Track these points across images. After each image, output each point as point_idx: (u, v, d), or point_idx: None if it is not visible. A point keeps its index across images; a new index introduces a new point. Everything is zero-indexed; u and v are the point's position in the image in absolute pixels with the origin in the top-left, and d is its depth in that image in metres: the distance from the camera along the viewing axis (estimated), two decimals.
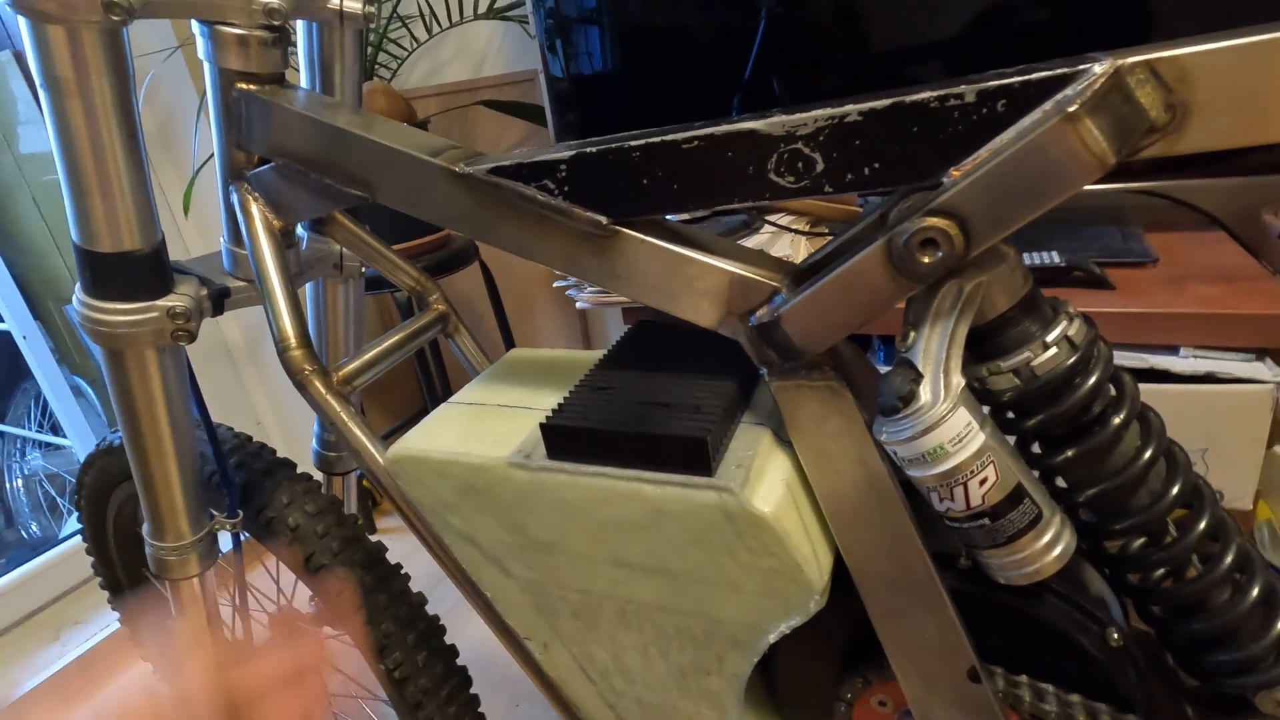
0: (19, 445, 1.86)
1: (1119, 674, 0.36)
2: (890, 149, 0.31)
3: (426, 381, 1.41)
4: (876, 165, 0.31)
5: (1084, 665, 0.37)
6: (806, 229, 0.94)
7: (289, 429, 1.59)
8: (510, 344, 1.44)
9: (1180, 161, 0.31)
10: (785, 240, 0.91)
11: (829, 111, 0.31)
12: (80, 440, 1.60)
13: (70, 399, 1.62)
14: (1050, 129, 0.27)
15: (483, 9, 1.30)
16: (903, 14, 0.84)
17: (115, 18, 0.37)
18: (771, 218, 0.95)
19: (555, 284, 1.00)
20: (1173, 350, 0.69)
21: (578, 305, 0.95)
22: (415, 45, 1.37)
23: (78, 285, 0.45)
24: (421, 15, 1.33)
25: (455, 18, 1.32)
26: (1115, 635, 0.36)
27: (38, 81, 0.39)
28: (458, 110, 1.43)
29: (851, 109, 0.31)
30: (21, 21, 0.37)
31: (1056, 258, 0.78)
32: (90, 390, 1.72)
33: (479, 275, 1.36)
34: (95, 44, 0.38)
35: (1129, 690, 0.37)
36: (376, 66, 1.37)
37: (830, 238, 0.95)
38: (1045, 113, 0.28)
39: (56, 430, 1.76)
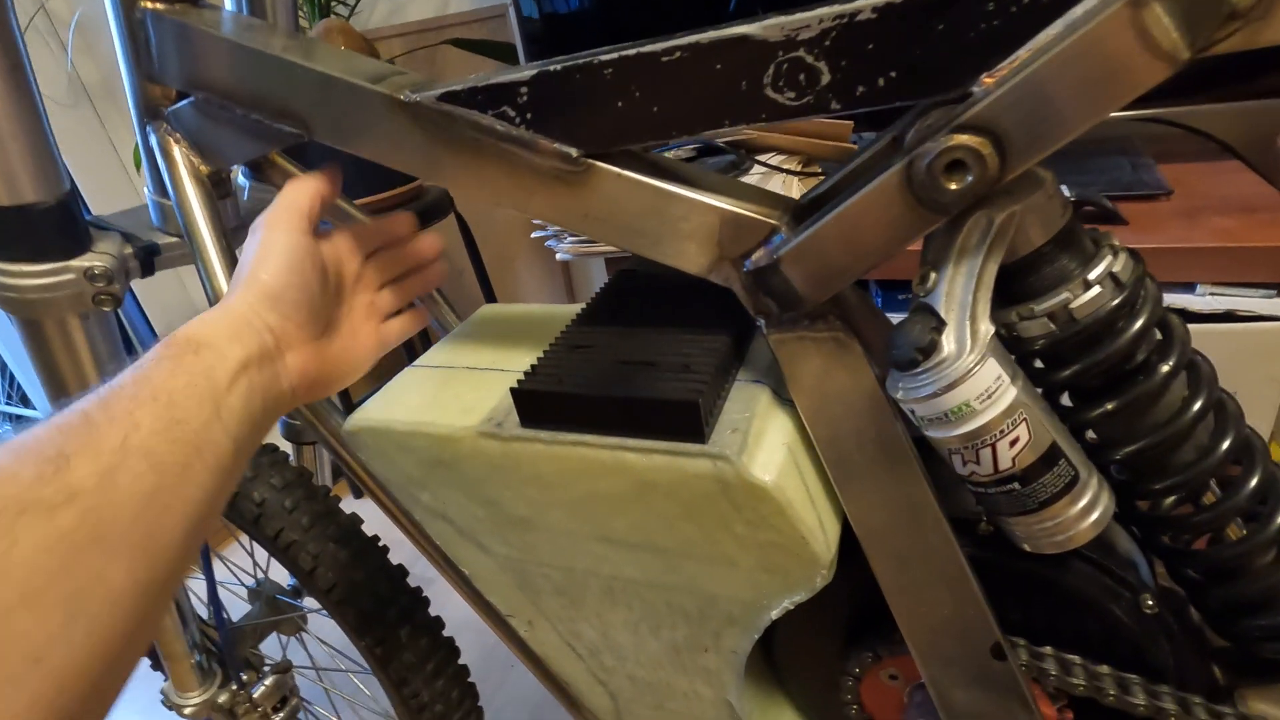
0: None
1: (1152, 643, 0.33)
2: (910, 54, 0.26)
3: (407, 343, 1.36)
4: (893, 74, 0.26)
5: (1114, 634, 0.34)
6: (799, 168, 0.88)
7: None
8: (492, 299, 1.39)
9: (1188, 86, 0.26)
10: (777, 181, 0.85)
11: (836, 10, 0.26)
12: (49, 411, 1.55)
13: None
14: (1108, 19, 0.23)
15: None
16: None
17: None
18: (762, 157, 0.89)
19: (533, 234, 0.94)
20: (1189, 288, 0.65)
21: (558, 257, 0.90)
22: None
23: None
24: None
25: None
26: (1150, 602, 0.33)
27: None
28: (424, 50, 1.34)
29: (864, 5, 0.25)
30: None
31: (1065, 192, 0.73)
32: None
33: (455, 229, 1.30)
34: None
35: (1161, 658, 0.34)
36: (333, 3, 1.27)
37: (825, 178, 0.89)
38: (1102, 0, 0.23)
39: (26, 403, 1.70)
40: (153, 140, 0.40)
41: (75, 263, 0.40)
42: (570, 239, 0.88)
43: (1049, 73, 0.24)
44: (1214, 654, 0.36)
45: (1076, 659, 0.34)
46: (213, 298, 0.39)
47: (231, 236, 0.42)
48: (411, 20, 1.36)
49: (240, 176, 0.50)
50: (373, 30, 1.37)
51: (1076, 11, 0.23)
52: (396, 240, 0.42)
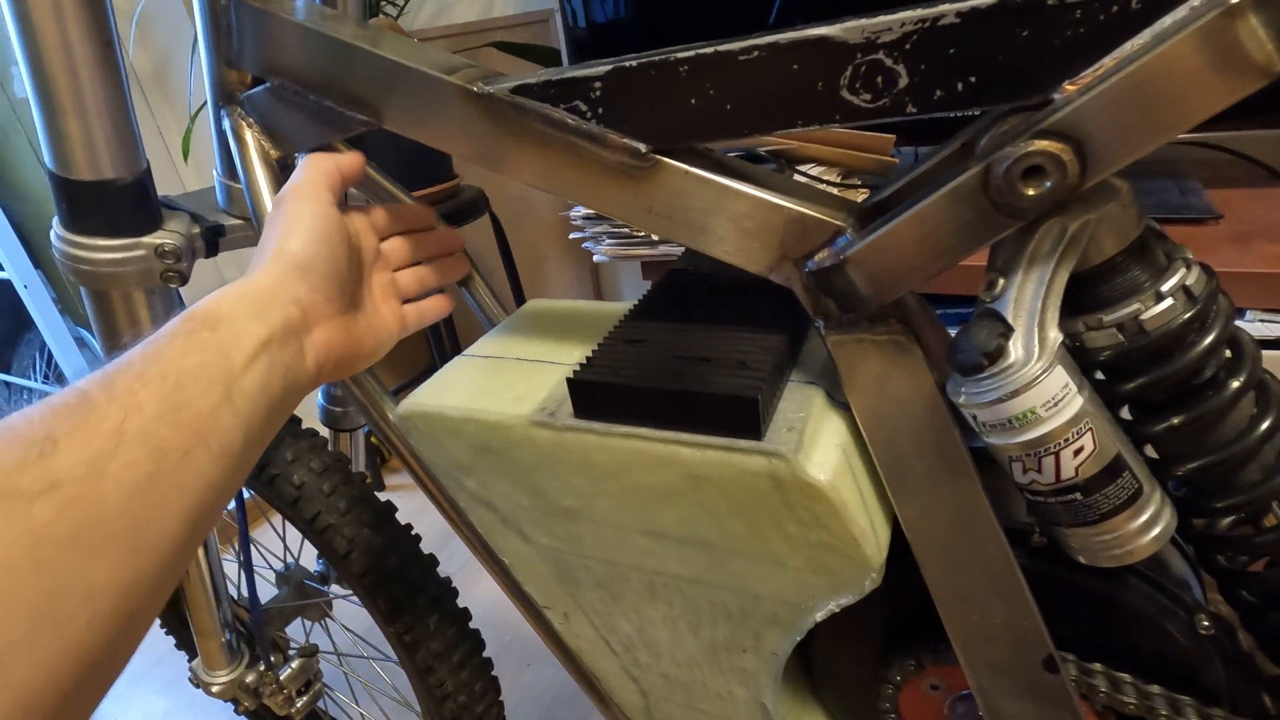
0: (26, 396, 1.85)
1: (1206, 664, 0.33)
2: (991, 59, 0.26)
3: (434, 336, 1.37)
4: (973, 79, 0.26)
5: (1168, 654, 0.33)
6: (838, 180, 0.89)
7: None
8: (521, 300, 1.40)
9: (1238, 111, 0.26)
10: None
11: (919, 14, 0.26)
12: None
13: (74, 350, 1.59)
14: (1201, 28, 0.23)
15: None
16: None
17: None
18: (802, 167, 0.89)
19: (571, 235, 0.95)
20: (1239, 314, 0.64)
21: (595, 258, 0.90)
22: None
23: (55, 219, 0.41)
24: None
25: None
26: (1205, 622, 0.32)
27: None
28: (468, 52, 1.36)
29: (947, 9, 0.26)
30: None
31: None
32: (94, 341, 1.69)
33: (488, 228, 1.31)
34: None
35: (1214, 681, 0.33)
36: (382, 3, 1.30)
37: (865, 191, 0.89)
38: (1194, 9, 0.23)
39: (62, 381, 1.74)
40: (226, 124, 0.42)
41: (147, 239, 0.41)
42: (609, 241, 0.88)
43: (1135, 82, 0.24)
44: (1266, 681, 0.36)
45: (1127, 677, 0.33)
46: None
47: None
48: (456, 22, 1.38)
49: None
50: (419, 30, 1.40)
51: (1166, 21, 0.24)
52: (415, 227, 0.42)
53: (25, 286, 1.48)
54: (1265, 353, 0.63)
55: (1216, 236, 0.71)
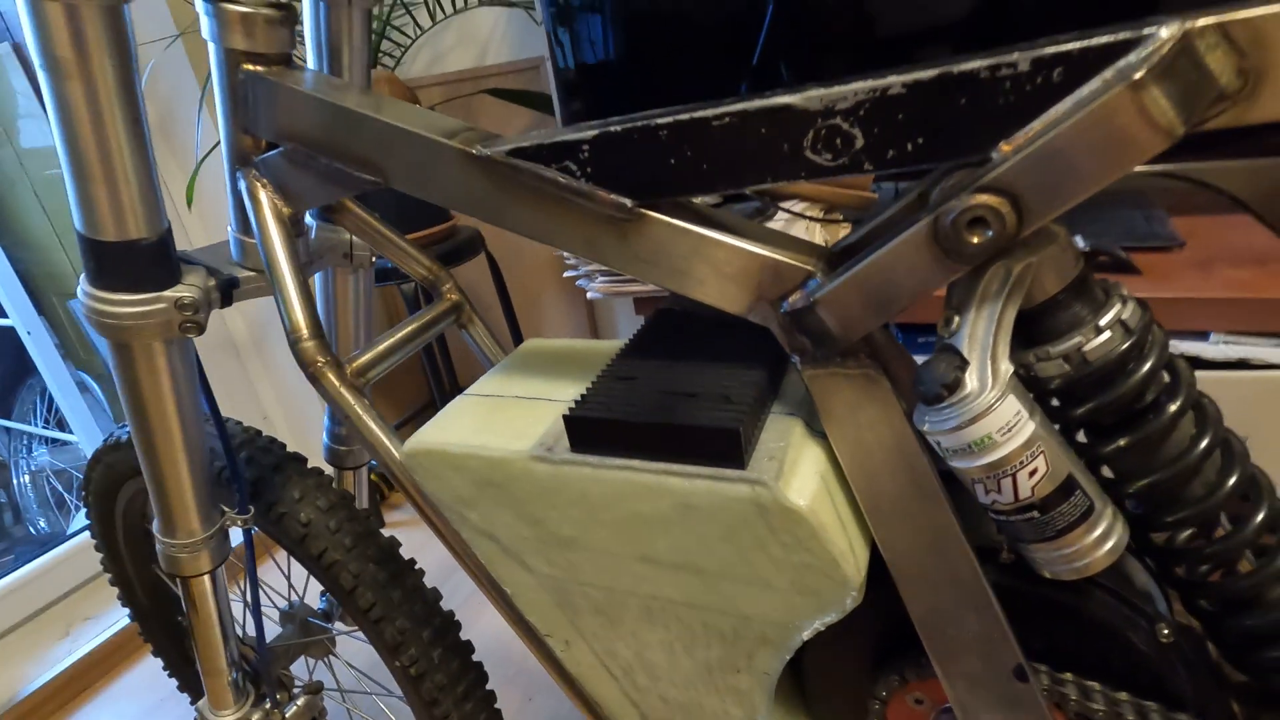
0: (26, 441, 1.86)
1: (1169, 671, 0.35)
2: (935, 123, 0.29)
3: (434, 374, 1.40)
4: (920, 140, 0.30)
5: (1132, 662, 0.35)
6: (821, 215, 0.92)
7: (296, 423, 1.58)
8: (518, 336, 1.43)
9: (1202, 142, 0.29)
10: (800, 227, 0.89)
11: (870, 84, 0.29)
12: (86, 436, 1.60)
13: (76, 394, 1.61)
14: (1112, 98, 0.26)
15: None
16: None
17: None
18: (785, 204, 0.93)
19: (565, 274, 0.98)
20: (1203, 336, 0.67)
21: (589, 296, 0.94)
22: (418, 33, 1.35)
23: (82, 276, 0.44)
24: (425, 1, 1.31)
25: (459, 4, 1.30)
26: (1166, 631, 0.35)
27: (37, 64, 0.37)
28: (462, 99, 1.41)
29: (894, 80, 0.29)
30: (20, 0, 0.36)
31: (1080, 242, 0.76)
32: (95, 386, 1.71)
33: (485, 266, 1.35)
34: (96, 21, 0.36)
35: (1178, 687, 0.35)
36: (380, 55, 1.35)
37: (846, 225, 0.92)
38: (1106, 81, 0.26)
39: (63, 426, 1.76)
40: (241, 184, 0.45)
41: (167, 293, 0.44)
42: (602, 279, 0.92)
43: (1061, 142, 0.27)
44: (1233, 689, 0.38)
45: (1096, 685, 0.35)
46: (290, 327, 0.43)
47: (304, 271, 0.46)
48: (450, 70, 1.44)
49: (308, 217, 0.54)
50: (414, 79, 1.45)
51: (1084, 90, 0.27)
52: None
53: (29, 333, 1.51)
54: (1230, 374, 0.66)
55: (1180, 263, 0.74)
